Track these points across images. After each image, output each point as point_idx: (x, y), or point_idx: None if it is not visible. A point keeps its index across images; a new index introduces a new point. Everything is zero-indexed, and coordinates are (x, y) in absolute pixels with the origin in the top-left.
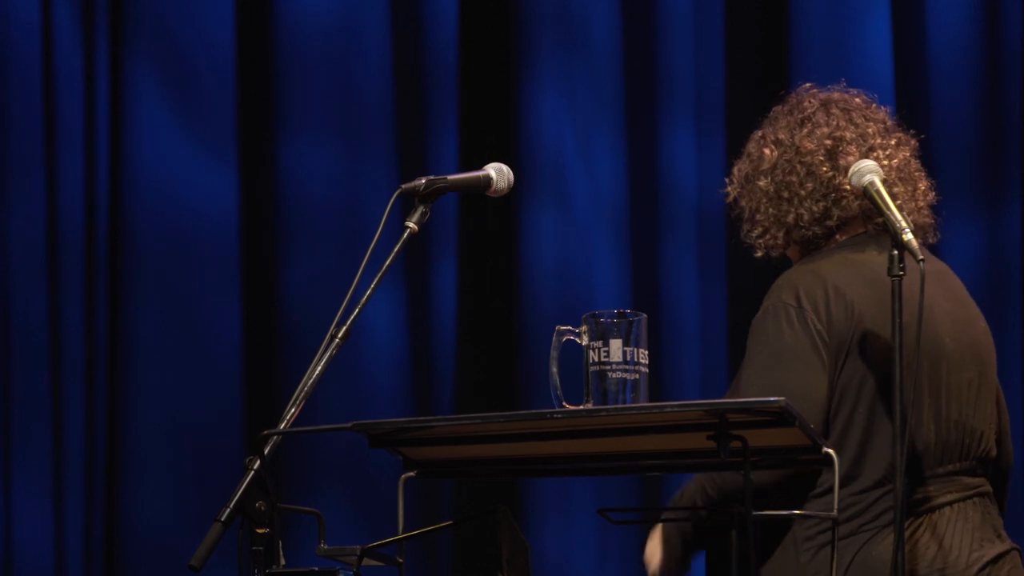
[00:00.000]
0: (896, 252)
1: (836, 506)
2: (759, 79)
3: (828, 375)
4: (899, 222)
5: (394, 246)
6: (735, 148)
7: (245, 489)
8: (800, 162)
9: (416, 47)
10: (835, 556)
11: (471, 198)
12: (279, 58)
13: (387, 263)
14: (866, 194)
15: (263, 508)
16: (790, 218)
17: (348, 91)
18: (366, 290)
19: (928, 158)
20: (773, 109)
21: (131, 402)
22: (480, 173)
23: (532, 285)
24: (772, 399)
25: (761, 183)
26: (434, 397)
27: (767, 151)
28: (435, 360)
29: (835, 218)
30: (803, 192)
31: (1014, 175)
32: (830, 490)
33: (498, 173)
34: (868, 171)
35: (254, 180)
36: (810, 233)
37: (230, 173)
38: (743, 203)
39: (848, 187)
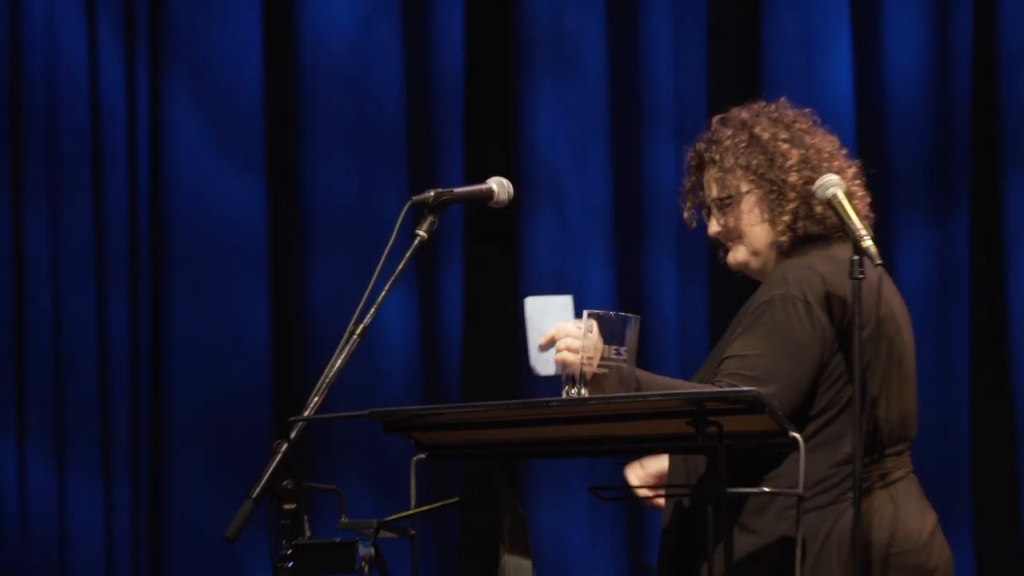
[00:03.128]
0: (856, 257)
1: (802, 484)
2: (735, 99)
3: (820, 367)
4: (859, 230)
5: (406, 252)
6: None
7: (274, 469)
8: (775, 172)
9: (425, 73)
10: (800, 526)
11: (475, 208)
12: (302, 83)
13: (400, 267)
14: (830, 205)
15: (290, 486)
16: (772, 217)
17: (364, 112)
18: (381, 291)
19: (884, 172)
20: (746, 110)
21: (171, 393)
22: (483, 186)
23: (531, 286)
24: (745, 389)
25: (750, 176)
26: (442, 387)
27: (729, 158)
28: (443, 354)
29: (799, 225)
30: (786, 196)
31: (962, 187)
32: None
33: (499, 186)
34: (831, 184)
35: (280, 191)
36: (782, 238)
37: (258, 185)
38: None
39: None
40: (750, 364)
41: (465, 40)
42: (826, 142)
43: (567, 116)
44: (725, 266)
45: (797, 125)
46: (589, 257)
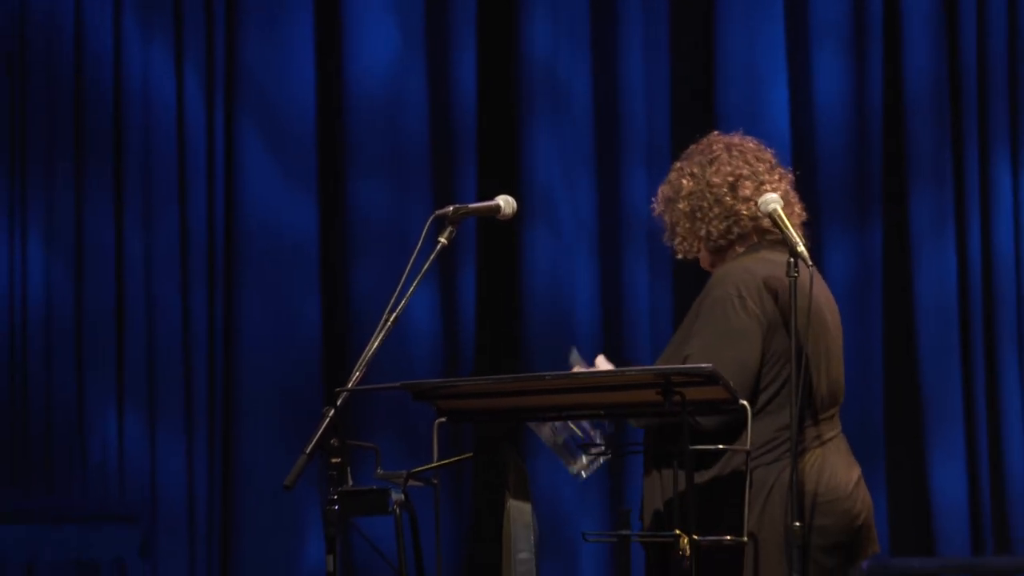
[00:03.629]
0: (792, 260)
1: (749, 442)
2: (695, 129)
3: (761, 349)
4: (795, 238)
5: (430, 255)
6: None
7: (323, 430)
8: (709, 192)
9: (446, 111)
10: (749, 477)
11: (486, 221)
12: (347, 119)
13: (425, 268)
14: (771, 218)
15: (336, 444)
16: (702, 232)
17: (396, 142)
18: (410, 287)
19: (813, 188)
20: (689, 148)
21: (240, 367)
22: (492, 203)
23: (531, 284)
24: (703, 365)
25: (680, 205)
26: (459, 364)
27: (685, 181)
28: (460, 337)
29: (734, 233)
30: (711, 214)
31: (876, 202)
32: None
33: (506, 203)
34: (772, 201)
35: (329, 206)
36: (716, 244)
37: (311, 201)
38: (665, 218)
39: (744, 211)
40: (704, 359)
41: (477, 85)
42: (760, 163)
43: (560, 146)
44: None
45: (740, 150)
46: (577, 260)
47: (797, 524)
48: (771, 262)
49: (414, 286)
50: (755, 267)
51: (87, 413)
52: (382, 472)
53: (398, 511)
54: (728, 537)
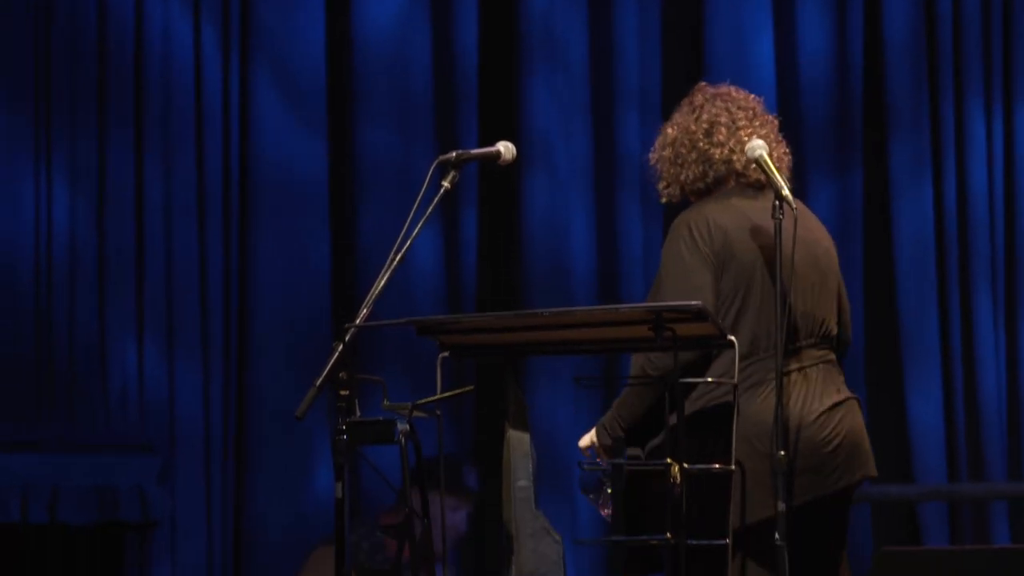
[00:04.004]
0: (777, 203)
1: (736, 376)
2: (685, 79)
3: (714, 281)
4: (780, 182)
5: (434, 199)
6: None
7: (333, 364)
8: (688, 138)
9: (449, 62)
10: (737, 408)
11: (486, 166)
12: (355, 67)
13: (429, 210)
14: (757, 163)
15: (345, 377)
16: (681, 176)
17: (402, 91)
18: (415, 228)
19: (797, 134)
20: (681, 101)
21: (254, 303)
22: (493, 149)
23: (529, 226)
24: (693, 303)
25: (665, 152)
26: (462, 301)
27: (670, 130)
28: (462, 275)
29: (710, 177)
30: (689, 159)
31: (857, 148)
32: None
33: (505, 148)
34: (758, 147)
35: (338, 151)
36: (694, 187)
37: (322, 148)
38: (656, 166)
39: (718, 155)
40: (672, 294)
41: (479, 37)
42: (740, 111)
43: (557, 95)
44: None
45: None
46: (573, 204)
47: (782, 453)
48: (733, 207)
49: (419, 228)
50: (712, 210)
51: (108, 347)
52: (388, 404)
53: (403, 441)
54: (717, 465)
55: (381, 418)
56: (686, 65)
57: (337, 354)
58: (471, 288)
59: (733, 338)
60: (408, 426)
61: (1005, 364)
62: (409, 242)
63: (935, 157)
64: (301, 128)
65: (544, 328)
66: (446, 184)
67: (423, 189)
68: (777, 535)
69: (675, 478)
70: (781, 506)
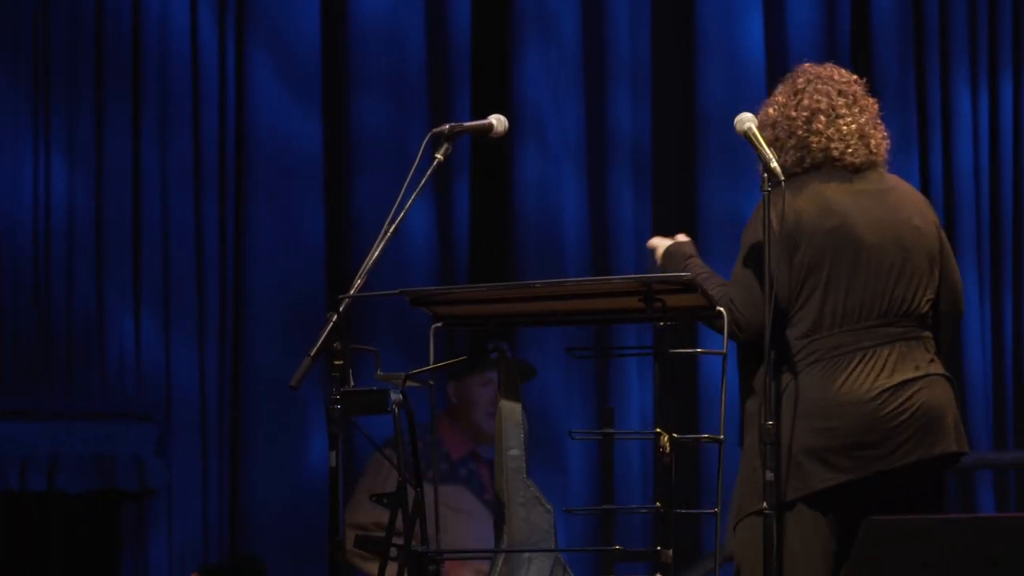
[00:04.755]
0: (766, 175)
1: (725, 347)
2: (676, 55)
3: (786, 261)
4: (768, 155)
5: (427, 171)
6: (659, 101)
7: (327, 334)
8: (787, 123)
9: (443, 36)
10: (724, 383)
11: (479, 139)
12: (351, 42)
13: (423, 182)
14: (746, 137)
15: (339, 347)
16: (780, 160)
17: (398, 65)
18: (409, 200)
19: None
20: (786, 76)
21: (250, 276)
22: (485, 122)
23: (521, 197)
24: (681, 274)
25: (766, 133)
26: (455, 271)
27: (771, 111)
28: (455, 247)
29: (808, 162)
30: (788, 145)
31: None
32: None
33: (498, 121)
34: (746, 120)
35: (333, 125)
36: (791, 171)
37: (317, 120)
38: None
39: (815, 144)
40: (734, 276)
41: (472, 12)
42: (840, 96)
43: (548, 69)
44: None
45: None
46: (564, 177)
47: (770, 423)
48: (813, 189)
49: (412, 199)
50: (793, 191)
51: (106, 318)
52: (382, 374)
53: (396, 410)
54: (706, 435)
55: (375, 388)
56: (677, 42)
57: (331, 325)
58: (463, 259)
59: (722, 309)
60: (401, 396)
61: (991, 340)
62: (403, 214)
63: (921, 133)
64: (296, 104)
65: (536, 299)
66: (439, 156)
67: (416, 161)
68: (765, 503)
69: (664, 447)
70: (769, 475)
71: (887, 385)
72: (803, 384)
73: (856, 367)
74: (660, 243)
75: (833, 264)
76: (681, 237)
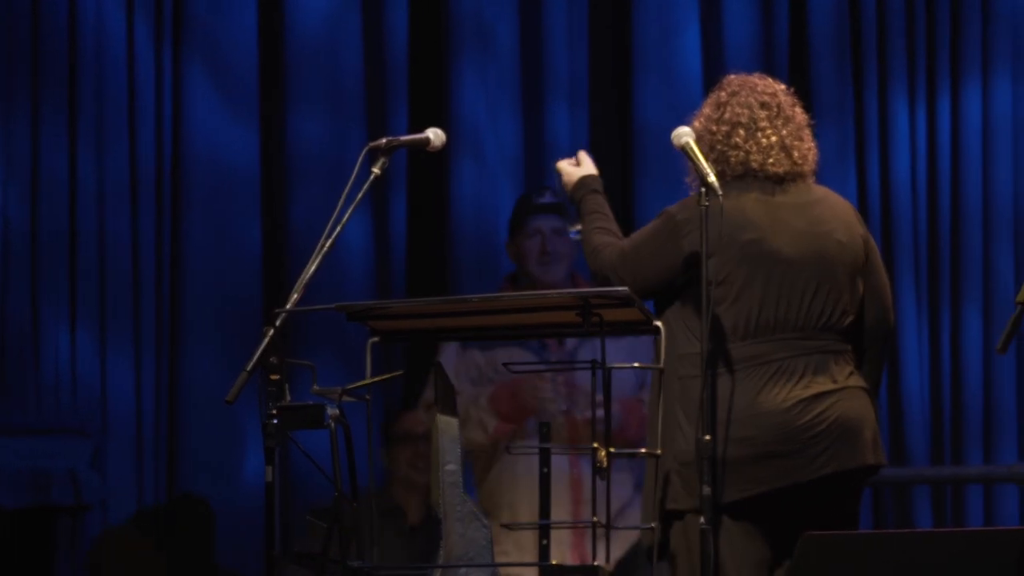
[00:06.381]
0: (704, 190)
1: (662, 361)
2: (612, 70)
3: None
4: (706, 169)
5: (364, 185)
6: (597, 116)
7: (263, 349)
8: (709, 136)
9: (380, 49)
10: (661, 395)
11: (417, 152)
12: (287, 54)
13: (359, 196)
14: (683, 151)
15: (275, 362)
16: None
17: (334, 78)
18: (345, 214)
19: None
20: (715, 86)
21: (187, 289)
22: (422, 135)
23: (457, 212)
24: (619, 288)
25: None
26: (392, 286)
27: (697, 123)
28: (392, 261)
29: (728, 177)
30: (710, 158)
31: None
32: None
33: (435, 135)
34: (684, 134)
35: (269, 140)
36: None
37: (253, 133)
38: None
39: (734, 158)
40: (627, 260)
41: (409, 27)
42: (763, 109)
43: (485, 84)
44: None
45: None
46: (500, 191)
47: (707, 437)
48: (731, 199)
49: (349, 213)
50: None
51: (41, 332)
52: (318, 388)
53: (333, 425)
54: (643, 450)
55: (311, 403)
56: (614, 56)
57: (267, 339)
58: (401, 274)
59: (659, 324)
60: (338, 411)
61: (928, 355)
62: (339, 228)
63: (859, 147)
64: (233, 117)
65: (473, 313)
66: (376, 170)
67: (353, 175)
68: (702, 519)
69: (601, 462)
70: (706, 490)
71: (802, 396)
72: (721, 393)
73: (772, 377)
74: (571, 168)
75: (747, 278)
76: (592, 169)
